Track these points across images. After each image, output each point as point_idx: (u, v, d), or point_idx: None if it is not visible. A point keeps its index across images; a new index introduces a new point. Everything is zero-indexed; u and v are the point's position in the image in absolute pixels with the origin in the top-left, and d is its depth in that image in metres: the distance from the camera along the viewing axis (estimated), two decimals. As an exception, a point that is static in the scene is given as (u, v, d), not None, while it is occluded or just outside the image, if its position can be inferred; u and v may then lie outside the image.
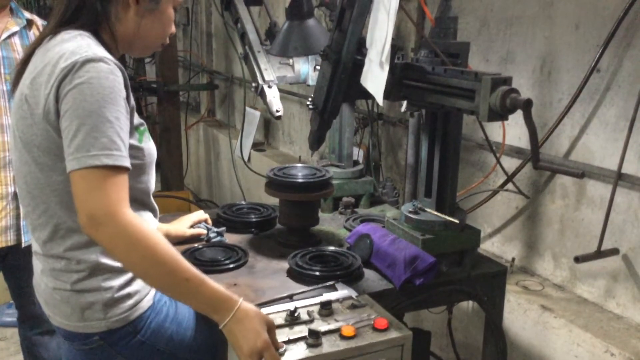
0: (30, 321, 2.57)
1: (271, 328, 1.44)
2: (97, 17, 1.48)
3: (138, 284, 1.56)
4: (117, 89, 1.38)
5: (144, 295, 1.58)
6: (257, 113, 4.54)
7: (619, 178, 2.04)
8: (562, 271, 2.37)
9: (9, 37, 2.32)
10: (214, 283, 1.42)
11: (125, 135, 1.39)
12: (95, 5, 1.47)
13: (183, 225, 2.10)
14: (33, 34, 2.40)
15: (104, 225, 1.32)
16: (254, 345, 1.39)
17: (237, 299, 1.43)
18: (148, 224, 1.53)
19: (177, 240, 2.04)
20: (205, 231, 2.10)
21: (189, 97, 6.11)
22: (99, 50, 1.41)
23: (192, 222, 2.13)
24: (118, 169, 1.35)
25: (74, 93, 1.34)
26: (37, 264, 1.59)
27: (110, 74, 1.37)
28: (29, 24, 2.41)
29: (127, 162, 1.37)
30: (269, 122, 4.81)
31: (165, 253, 1.36)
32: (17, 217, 2.33)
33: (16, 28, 2.34)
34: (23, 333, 2.61)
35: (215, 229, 2.11)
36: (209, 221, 2.19)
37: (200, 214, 2.19)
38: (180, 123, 5.12)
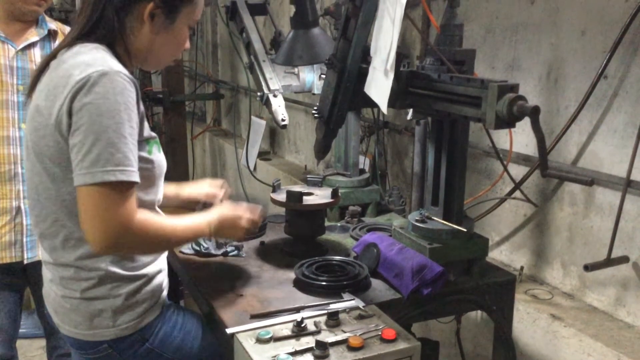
0: (54, 337, 2.51)
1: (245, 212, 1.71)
2: (113, 30, 1.50)
3: (146, 292, 1.57)
4: (131, 105, 1.40)
5: (153, 303, 1.59)
6: (263, 122, 4.54)
7: (628, 185, 2.02)
8: (571, 279, 2.35)
9: (28, 47, 2.25)
10: (195, 222, 1.60)
11: (136, 151, 1.42)
12: (112, 19, 1.48)
13: (199, 189, 1.97)
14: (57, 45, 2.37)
15: (122, 237, 1.39)
16: (239, 222, 1.69)
17: (211, 219, 1.63)
18: (150, 215, 1.49)
19: (185, 204, 1.95)
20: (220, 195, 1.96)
21: (195, 107, 6.13)
22: (114, 64, 1.42)
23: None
24: (131, 184, 1.40)
25: (90, 108, 1.35)
26: (47, 273, 1.61)
27: (125, 89, 1.39)
28: (52, 34, 2.34)
29: (138, 177, 1.41)
30: (274, 131, 4.81)
31: (173, 234, 1.54)
32: (21, 233, 2.25)
33: (35, 38, 2.27)
34: (49, 349, 2.58)
35: (234, 243, 2.09)
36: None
37: (210, 184, 2.01)
38: (186, 133, 5.13)
